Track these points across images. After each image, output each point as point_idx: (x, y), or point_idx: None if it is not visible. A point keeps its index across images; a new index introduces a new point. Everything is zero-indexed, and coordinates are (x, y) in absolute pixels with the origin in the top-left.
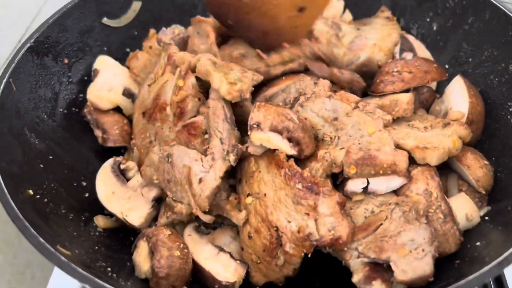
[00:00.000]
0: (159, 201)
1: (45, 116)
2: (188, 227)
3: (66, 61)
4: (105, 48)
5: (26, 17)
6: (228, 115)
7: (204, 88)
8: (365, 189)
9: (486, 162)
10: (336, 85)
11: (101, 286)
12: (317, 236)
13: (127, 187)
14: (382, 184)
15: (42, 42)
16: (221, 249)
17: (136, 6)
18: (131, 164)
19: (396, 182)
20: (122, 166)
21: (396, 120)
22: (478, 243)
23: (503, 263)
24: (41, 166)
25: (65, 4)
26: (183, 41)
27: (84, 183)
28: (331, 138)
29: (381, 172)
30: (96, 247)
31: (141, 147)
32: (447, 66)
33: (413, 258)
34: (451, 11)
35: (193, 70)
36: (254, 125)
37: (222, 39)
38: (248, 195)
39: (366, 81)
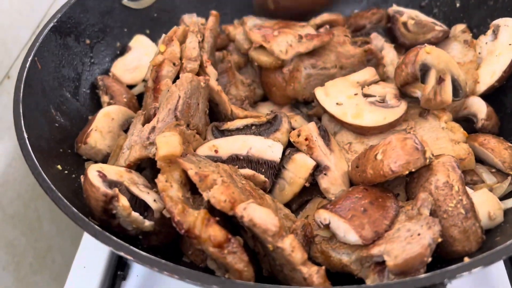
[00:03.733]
0: None
1: (69, 95)
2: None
3: (87, 41)
4: (125, 30)
5: (44, 2)
6: (179, 107)
7: None
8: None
9: (509, 144)
10: None
11: (136, 253)
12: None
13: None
14: (340, 230)
15: (65, 22)
16: None
17: None
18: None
19: (352, 237)
20: None
21: None
22: (509, 217)
23: None
24: (68, 143)
25: None
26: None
27: None
28: None
29: None
30: None
31: None
32: None
33: (406, 243)
34: None
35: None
36: None
37: None
38: None
39: None
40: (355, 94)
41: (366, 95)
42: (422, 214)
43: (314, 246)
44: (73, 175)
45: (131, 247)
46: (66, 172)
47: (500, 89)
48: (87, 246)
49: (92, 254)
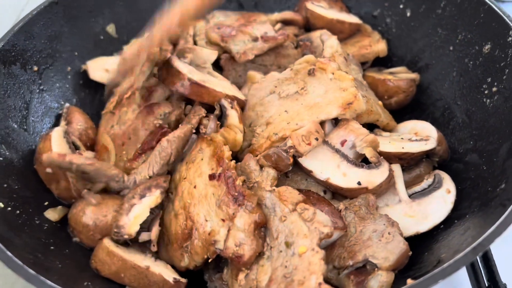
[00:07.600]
0: None
1: (16, 126)
2: (107, 239)
3: (35, 68)
4: (76, 53)
5: (7, 21)
6: (172, 159)
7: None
8: None
9: None
10: None
11: None
12: (221, 245)
13: None
14: None
15: (8, 50)
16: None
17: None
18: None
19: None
20: (72, 138)
21: None
22: (456, 229)
23: (478, 248)
24: (13, 177)
25: (31, 10)
26: None
27: None
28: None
29: None
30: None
31: (103, 132)
32: (424, 51)
33: (385, 243)
34: None
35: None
36: None
37: None
38: (184, 178)
39: None
40: None
41: None
42: (373, 214)
43: None
44: (17, 211)
45: None
46: (9, 209)
47: (450, 98)
48: None
49: None
